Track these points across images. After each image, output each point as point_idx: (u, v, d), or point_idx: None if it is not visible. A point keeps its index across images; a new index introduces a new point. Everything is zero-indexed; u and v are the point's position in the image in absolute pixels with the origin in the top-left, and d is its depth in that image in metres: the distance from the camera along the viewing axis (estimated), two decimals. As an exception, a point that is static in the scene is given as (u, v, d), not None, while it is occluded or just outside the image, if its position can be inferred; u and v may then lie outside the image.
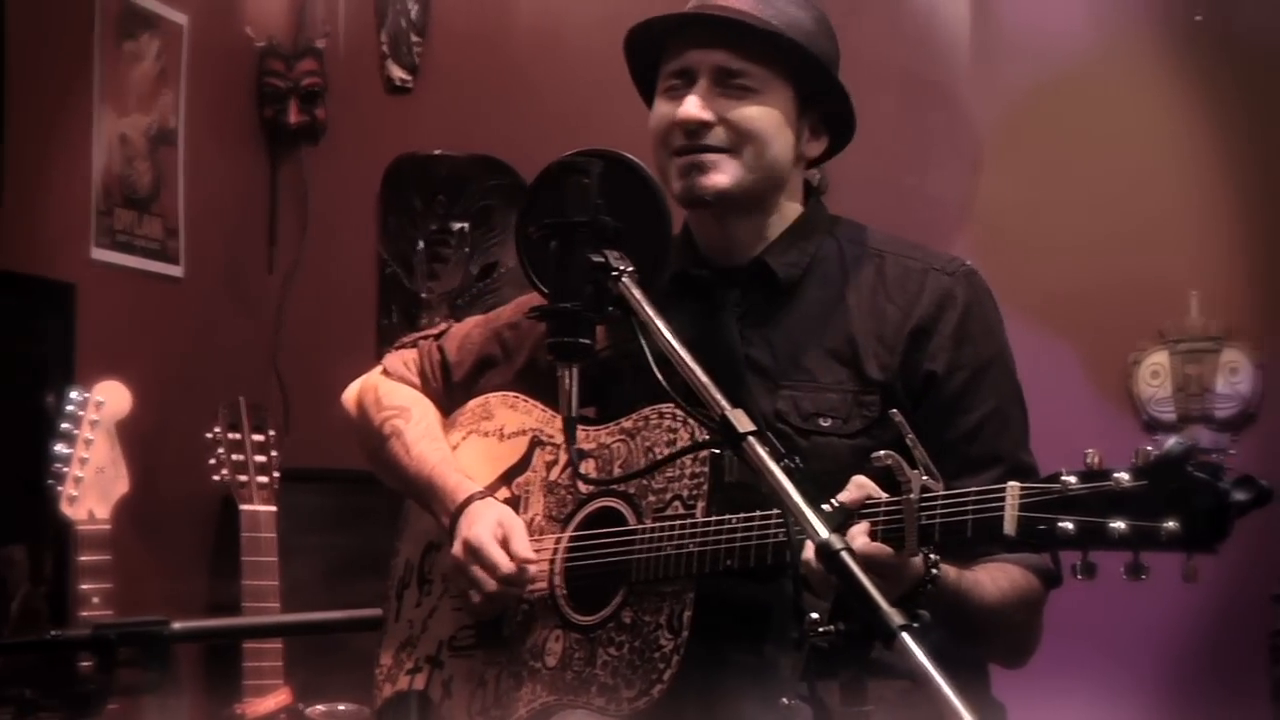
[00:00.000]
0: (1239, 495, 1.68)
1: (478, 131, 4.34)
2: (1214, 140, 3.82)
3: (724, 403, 1.75)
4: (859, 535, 1.91)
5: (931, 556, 1.95)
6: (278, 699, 3.30)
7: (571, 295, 1.95)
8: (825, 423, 2.25)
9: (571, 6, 4.33)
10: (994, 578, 2.14)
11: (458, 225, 4.27)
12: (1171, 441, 1.71)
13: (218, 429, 3.45)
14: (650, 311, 1.88)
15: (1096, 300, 3.83)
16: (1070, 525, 1.75)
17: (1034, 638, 2.27)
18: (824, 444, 2.24)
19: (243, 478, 3.42)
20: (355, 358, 4.35)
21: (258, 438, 3.48)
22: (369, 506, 4.16)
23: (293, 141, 4.42)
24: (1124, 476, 1.73)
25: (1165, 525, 1.69)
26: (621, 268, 1.92)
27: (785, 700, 1.63)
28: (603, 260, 1.93)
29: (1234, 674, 3.45)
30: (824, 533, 1.58)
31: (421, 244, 4.28)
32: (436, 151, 4.29)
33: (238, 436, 3.46)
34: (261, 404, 3.62)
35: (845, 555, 1.56)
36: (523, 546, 2.26)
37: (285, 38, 4.42)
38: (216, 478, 3.43)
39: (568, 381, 1.96)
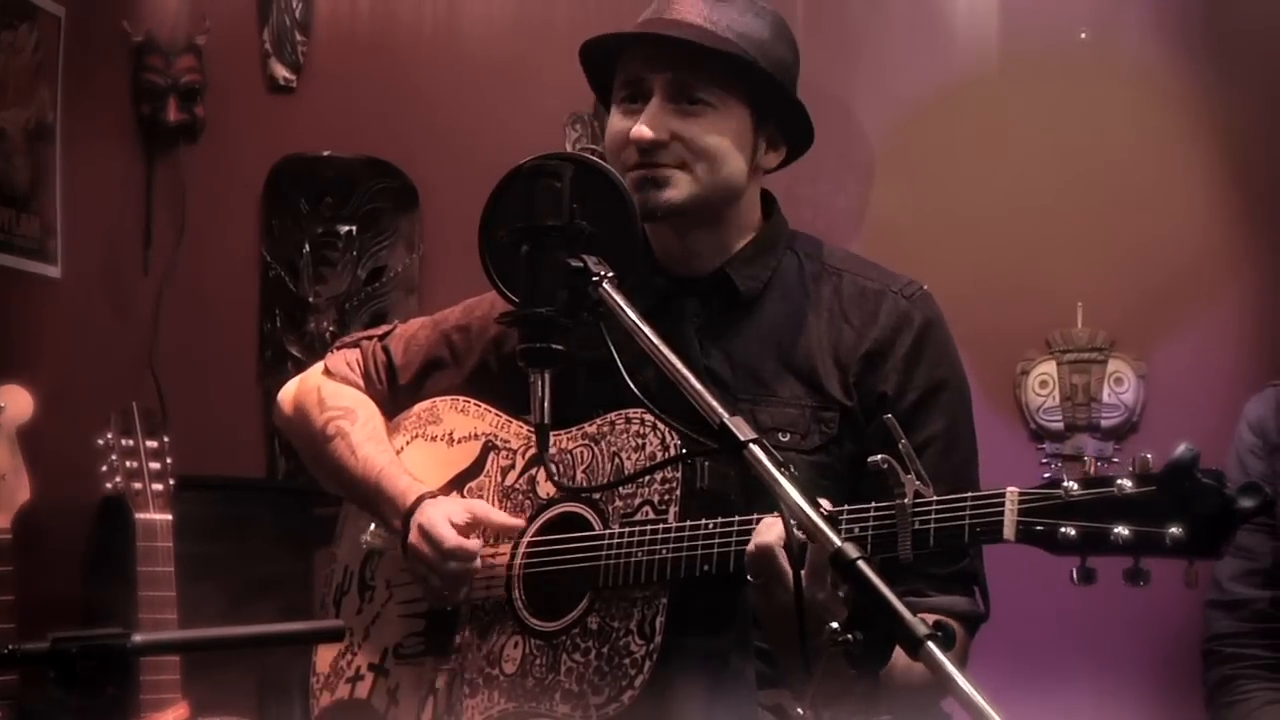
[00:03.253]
0: (1245, 502, 1.72)
1: (364, 133, 4.26)
2: (1099, 153, 3.90)
3: (721, 410, 1.74)
4: None
5: None
6: (175, 713, 3.21)
7: (544, 300, 1.93)
8: (784, 438, 2.26)
9: (460, 6, 4.29)
10: None
11: (345, 228, 4.19)
12: (1181, 448, 1.74)
13: (110, 434, 3.34)
14: (635, 317, 1.87)
15: (985, 310, 3.88)
16: (1072, 530, 1.77)
17: None
18: (782, 459, 2.24)
19: (137, 485, 3.31)
20: (236, 362, 4.31)
21: (151, 444, 3.37)
22: (250, 515, 4.11)
23: (171, 140, 4.30)
24: (1126, 483, 1.76)
25: (1170, 531, 1.72)
26: (601, 273, 1.91)
27: (800, 711, 1.62)
28: (582, 265, 1.91)
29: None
30: (838, 541, 1.58)
31: (307, 247, 4.19)
32: (325, 153, 4.21)
33: (131, 443, 3.36)
34: (154, 409, 3.52)
35: (862, 564, 1.56)
36: (501, 516, 2.25)
37: (164, 33, 4.29)
38: (110, 485, 3.32)
39: (540, 388, 1.94)
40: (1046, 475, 1.86)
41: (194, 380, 4.26)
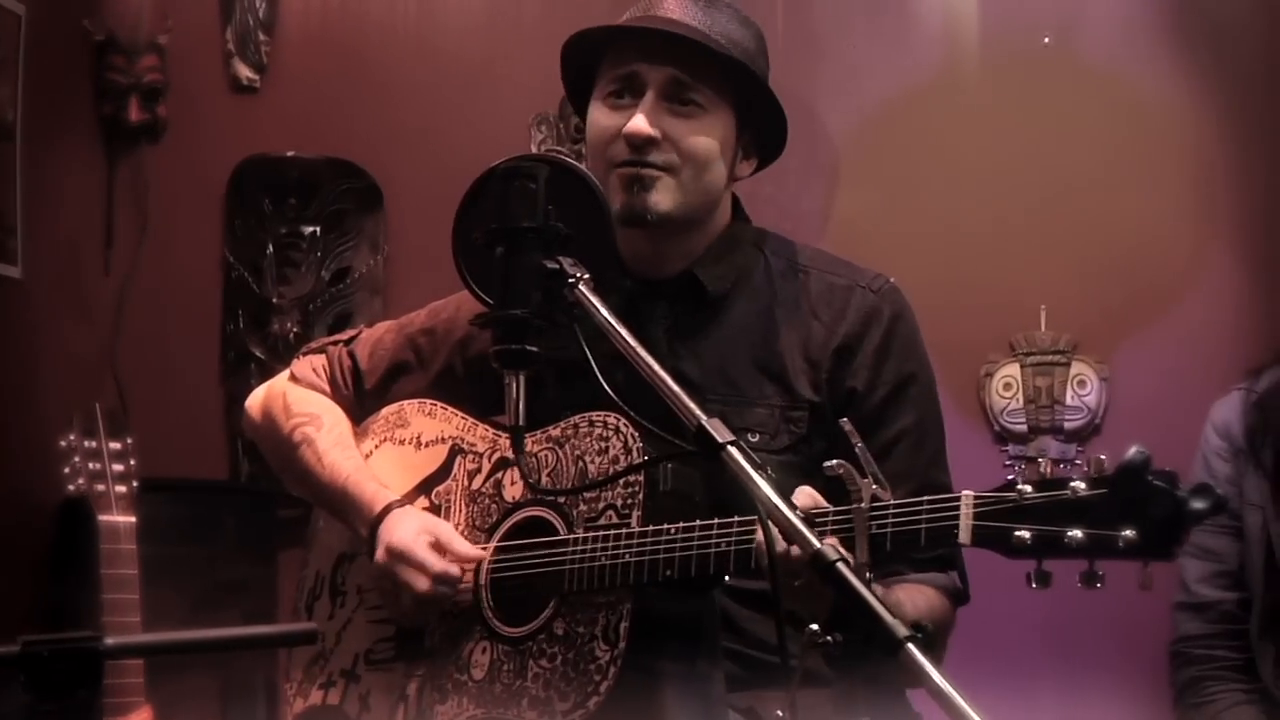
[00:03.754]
0: (1196, 504, 1.73)
1: (328, 133, 4.24)
2: (1063, 157, 3.92)
3: (699, 412, 1.74)
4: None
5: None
6: (139, 717, 3.18)
7: (519, 301, 1.92)
8: (753, 438, 2.25)
9: (427, 6, 4.27)
10: (913, 600, 2.16)
11: (309, 229, 4.17)
12: (1133, 450, 1.74)
13: (73, 436, 3.31)
14: (612, 320, 1.86)
15: (949, 313, 3.88)
16: (1026, 534, 1.78)
17: (941, 658, 2.29)
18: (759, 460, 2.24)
19: (100, 486, 3.28)
20: (198, 363, 4.28)
21: (115, 445, 3.34)
22: (213, 517, 4.08)
23: (132, 140, 4.26)
24: (1080, 485, 1.77)
25: (1123, 533, 1.73)
26: (578, 274, 1.90)
27: (779, 713, 1.62)
28: (557, 266, 1.91)
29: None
30: (817, 543, 1.58)
31: (271, 248, 4.17)
32: (289, 153, 4.18)
33: (94, 444, 3.33)
34: (117, 410, 3.49)
35: (841, 566, 1.56)
36: (463, 545, 2.23)
37: (126, 32, 4.26)
38: (72, 487, 3.29)
39: (514, 390, 1.93)
40: (1010, 478, 1.87)
41: (156, 381, 4.23)
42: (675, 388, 1.78)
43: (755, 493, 1.65)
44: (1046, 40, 3.97)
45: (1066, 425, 3.88)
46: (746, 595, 2.20)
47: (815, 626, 1.59)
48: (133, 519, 3.28)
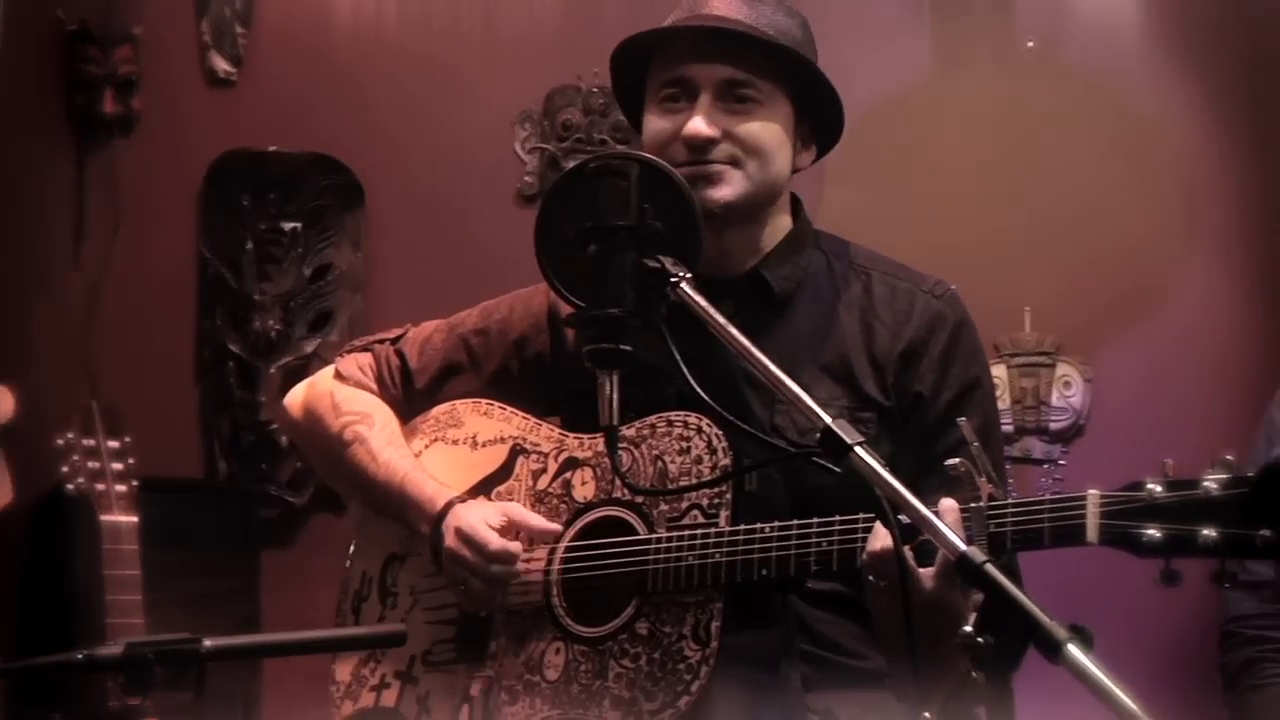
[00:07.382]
0: None
1: (306, 129, 4.18)
2: (1047, 160, 3.97)
3: (823, 413, 1.73)
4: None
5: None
6: (145, 723, 3.12)
7: (613, 300, 1.91)
8: None
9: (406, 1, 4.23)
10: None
11: (290, 225, 4.11)
12: (1276, 452, 1.77)
13: (71, 434, 3.24)
14: (721, 320, 1.85)
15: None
16: (1158, 533, 1.80)
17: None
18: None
19: (100, 486, 3.22)
20: (173, 360, 4.20)
21: (113, 444, 3.28)
22: (194, 518, 4.00)
23: (105, 133, 4.18)
24: (1213, 485, 1.79)
25: (1261, 533, 1.75)
26: (680, 273, 1.89)
27: (926, 715, 1.62)
28: (659, 265, 1.90)
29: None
30: (961, 545, 1.58)
31: (251, 244, 4.11)
32: (271, 148, 4.12)
33: (92, 442, 3.26)
34: (115, 408, 3.41)
35: (990, 567, 1.55)
36: (538, 520, 2.22)
37: (100, 22, 4.17)
38: (71, 486, 3.22)
39: (609, 389, 1.92)
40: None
41: (129, 379, 4.15)
42: (795, 388, 1.78)
43: (890, 493, 1.65)
44: (1030, 44, 4.01)
45: (1052, 426, 3.93)
46: (819, 596, 2.20)
47: (969, 628, 1.59)
48: (134, 519, 3.22)
